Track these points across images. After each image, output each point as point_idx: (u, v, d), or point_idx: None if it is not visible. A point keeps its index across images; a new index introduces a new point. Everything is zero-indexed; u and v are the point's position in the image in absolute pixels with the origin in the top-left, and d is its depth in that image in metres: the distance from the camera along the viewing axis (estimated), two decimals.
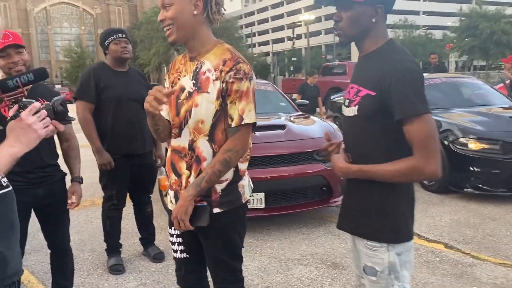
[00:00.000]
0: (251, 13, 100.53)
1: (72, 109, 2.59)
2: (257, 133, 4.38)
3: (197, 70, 1.73)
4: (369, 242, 1.61)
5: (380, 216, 1.59)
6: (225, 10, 1.83)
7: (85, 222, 4.66)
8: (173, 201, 1.86)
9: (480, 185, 4.89)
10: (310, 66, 45.74)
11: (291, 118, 5.05)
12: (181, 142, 1.77)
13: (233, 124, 1.69)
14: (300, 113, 5.65)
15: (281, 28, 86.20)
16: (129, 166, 3.34)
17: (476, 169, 4.89)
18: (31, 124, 1.24)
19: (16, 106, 1.29)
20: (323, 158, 4.25)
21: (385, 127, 1.53)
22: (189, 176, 1.76)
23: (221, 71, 1.67)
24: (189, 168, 1.76)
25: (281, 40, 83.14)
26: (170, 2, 1.68)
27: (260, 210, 4.06)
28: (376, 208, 1.59)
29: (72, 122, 2.63)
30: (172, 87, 1.81)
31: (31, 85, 1.85)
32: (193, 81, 1.73)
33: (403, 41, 50.97)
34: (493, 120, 5.30)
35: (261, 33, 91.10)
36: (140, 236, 3.73)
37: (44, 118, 1.29)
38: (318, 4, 1.74)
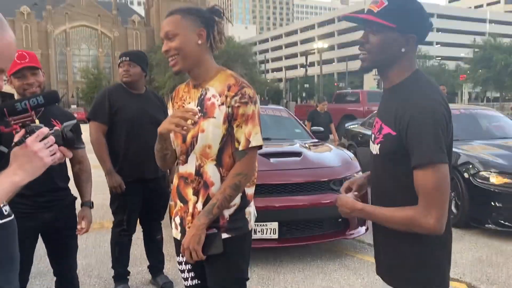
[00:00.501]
0: (265, 40, 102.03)
1: (85, 130, 2.54)
2: (272, 160, 4.28)
3: (202, 96, 1.76)
4: (392, 286, 1.50)
5: (412, 267, 1.45)
6: (225, 38, 1.87)
7: (93, 246, 4.55)
8: (179, 228, 1.84)
9: (502, 221, 4.69)
10: (322, 93, 45.94)
11: (307, 145, 4.95)
12: (188, 168, 1.77)
13: (241, 148, 1.71)
14: (316, 140, 5.55)
15: (294, 55, 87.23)
16: (141, 190, 3.25)
17: (498, 204, 4.70)
18: (37, 151, 1.15)
19: (22, 131, 1.20)
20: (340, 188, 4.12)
21: (405, 169, 1.38)
22: (196, 202, 1.75)
23: (226, 96, 1.71)
24: (196, 193, 1.75)
25: (294, 67, 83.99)
26: (175, 33, 1.70)
27: (273, 240, 3.92)
28: (407, 260, 1.46)
29: (84, 143, 2.60)
30: None
31: (42, 108, 1.79)
32: (198, 107, 1.75)
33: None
34: None
35: (274, 59, 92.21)
36: (148, 264, 3.61)
37: (51, 145, 1.20)
38: (347, 21, 1.62)
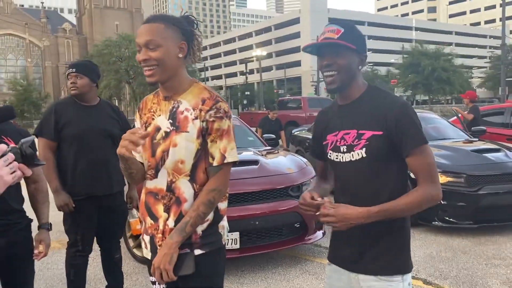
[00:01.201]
0: (204, 48, 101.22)
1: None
2: None
3: (174, 109, 1.70)
4: (383, 276, 1.63)
5: (398, 251, 1.65)
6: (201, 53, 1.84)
7: (40, 268, 4.25)
8: (149, 246, 1.76)
9: (448, 218, 4.97)
10: (263, 100, 46.50)
11: (261, 153, 4.96)
12: (158, 183, 1.71)
13: (215, 163, 1.67)
14: (269, 147, 5.58)
15: (233, 63, 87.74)
16: (95, 208, 3.07)
17: (443, 202, 4.97)
18: None
19: None
20: (298, 194, 4.17)
21: (395, 163, 1.62)
22: (167, 219, 1.68)
23: (200, 110, 1.66)
24: (167, 210, 1.69)
25: (234, 75, 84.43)
26: (158, 44, 1.63)
27: (235, 251, 3.87)
28: (399, 244, 1.66)
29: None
30: (146, 127, 1.76)
31: None
32: (170, 120, 1.70)
33: None
34: (456, 154, 5.47)
35: (214, 67, 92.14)
36: (107, 284, 3.43)
37: (11, 163, 1.12)
38: (306, 52, 1.73)
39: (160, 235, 1.69)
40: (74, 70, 3.03)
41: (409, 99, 66.00)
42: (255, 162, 4.47)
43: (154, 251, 1.72)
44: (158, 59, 1.63)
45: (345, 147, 1.66)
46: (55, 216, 3.12)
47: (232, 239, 3.86)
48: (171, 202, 1.68)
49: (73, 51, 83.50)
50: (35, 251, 2.29)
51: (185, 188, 1.67)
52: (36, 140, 2.94)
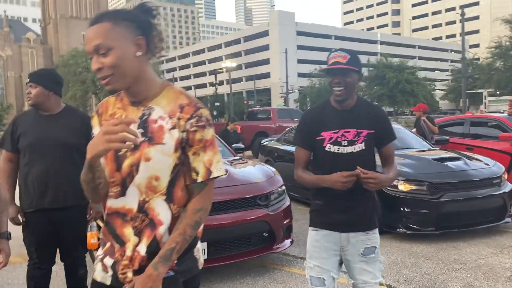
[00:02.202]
0: (173, 59, 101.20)
1: None
2: None
3: (145, 117, 1.47)
4: (369, 230, 2.28)
5: (373, 213, 2.34)
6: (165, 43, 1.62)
7: (1, 284, 4.10)
8: (110, 271, 1.49)
9: (411, 225, 5.11)
10: (233, 111, 46.58)
11: (230, 163, 4.98)
12: (127, 203, 1.46)
13: (201, 179, 1.45)
14: (237, 157, 5.60)
15: (203, 74, 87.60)
16: (48, 221, 2.93)
17: (406, 209, 5.11)
18: None
19: None
20: (266, 203, 4.21)
21: (373, 151, 2.31)
22: (137, 244, 1.45)
23: (179, 119, 1.44)
24: (138, 234, 1.45)
25: (203, 86, 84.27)
26: (108, 46, 1.38)
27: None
28: (371, 209, 2.33)
29: None
30: None
31: None
32: (141, 129, 1.45)
33: (319, 89, 54.15)
34: (418, 162, 5.65)
35: (183, 78, 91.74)
36: None
37: None
38: (325, 73, 2.32)
39: (126, 262, 1.45)
40: (29, 80, 2.98)
41: None
42: None
43: (115, 278, 1.48)
44: (113, 64, 1.39)
45: (347, 141, 2.24)
46: (19, 230, 3.03)
47: (200, 250, 3.83)
48: (143, 225, 1.45)
49: (37, 61, 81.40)
50: None
51: (160, 209, 1.45)
52: None
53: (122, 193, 1.47)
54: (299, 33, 75.51)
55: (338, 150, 2.24)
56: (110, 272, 1.49)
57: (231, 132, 8.91)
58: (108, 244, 1.53)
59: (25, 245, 3.01)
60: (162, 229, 1.45)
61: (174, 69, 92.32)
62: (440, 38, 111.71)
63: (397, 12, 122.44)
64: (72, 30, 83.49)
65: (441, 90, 63.67)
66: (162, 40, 1.52)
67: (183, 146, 1.45)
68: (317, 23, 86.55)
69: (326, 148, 2.25)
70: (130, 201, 1.46)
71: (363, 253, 2.26)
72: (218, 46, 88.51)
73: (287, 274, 4.21)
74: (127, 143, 1.29)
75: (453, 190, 5.14)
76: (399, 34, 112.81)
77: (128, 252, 1.46)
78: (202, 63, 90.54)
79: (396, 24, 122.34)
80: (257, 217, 4.12)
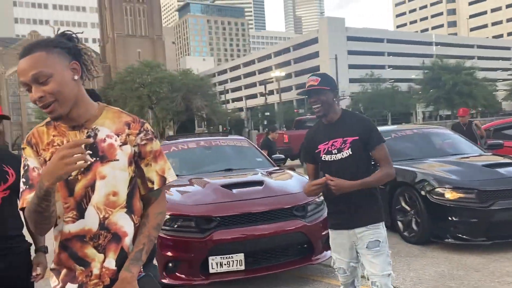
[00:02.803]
0: (224, 71, 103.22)
1: None
2: (234, 190, 4.29)
3: (91, 138, 1.52)
4: (370, 225, 2.57)
5: (378, 207, 2.64)
6: (96, 66, 1.64)
7: None
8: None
9: (460, 235, 4.86)
10: (283, 120, 46.60)
11: (268, 173, 4.99)
12: (86, 224, 1.50)
13: (157, 186, 1.59)
14: (277, 167, 5.61)
15: (253, 84, 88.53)
16: None
17: (454, 218, 4.88)
18: None
19: None
20: (303, 214, 4.18)
21: (365, 155, 2.64)
22: (103, 261, 1.50)
23: (128, 135, 1.55)
24: (102, 251, 1.50)
25: (254, 96, 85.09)
26: (47, 74, 1.41)
27: (240, 272, 3.88)
28: (375, 203, 2.64)
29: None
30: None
31: None
32: (89, 151, 1.49)
33: (371, 94, 52.90)
34: (467, 169, 5.37)
35: (234, 89, 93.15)
36: None
37: None
38: (301, 95, 2.81)
39: (95, 281, 1.50)
40: None
41: (432, 114, 65.12)
42: (260, 183, 4.50)
43: None
44: (54, 91, 1.42)
45: (336, 150, 2.61)
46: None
47: (237, 261, 3.88)
48: (106, 241, 1.50)
49: (97, 79, 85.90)
50: (33, 273, 2.37)
51: (123, 222, 1.52)
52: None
53: (80, 216, 1.50)
54: (350, 38, 74.46)
55: (330, 159, 2.64)
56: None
57: (272, 141, 8.92)
58: (64, 271, 1.53)
59: None
60: (127, 240, 1.53)
61: (225, 81, 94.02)
62: (501, 36, 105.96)
63: (452, 12, 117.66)
64: (128, 48, 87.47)
65: (504, 90, 60.12)
66: (92, 61, 1.59)
67: (136, 160, 1.57)
68: (368, 27, 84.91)
69: (323, 158, 2.67)
70: (90, 222, 1.50)
71: (368, 246, 2.55)
72: (268, 56, 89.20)
73: (326, 285, 4.14)
74: (81, 162, 1.33)
75: (505, 197, 4.83)
76: (455, 34, 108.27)
77: (96, 271, 1.50)
78: (252, 73, 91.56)
79: (452, 24, 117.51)
80: (293, 228, 4.09)
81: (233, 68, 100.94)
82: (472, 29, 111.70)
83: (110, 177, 1.51)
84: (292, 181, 4.75)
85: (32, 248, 2.46)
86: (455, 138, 7.00)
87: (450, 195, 4.93)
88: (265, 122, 56.17)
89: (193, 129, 55.39)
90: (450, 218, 4.90)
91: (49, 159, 1.48)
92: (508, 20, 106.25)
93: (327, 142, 2.64)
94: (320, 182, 2.51)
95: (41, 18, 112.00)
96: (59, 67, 1.45)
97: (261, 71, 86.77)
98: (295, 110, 61.46)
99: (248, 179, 4.78)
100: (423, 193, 5.12)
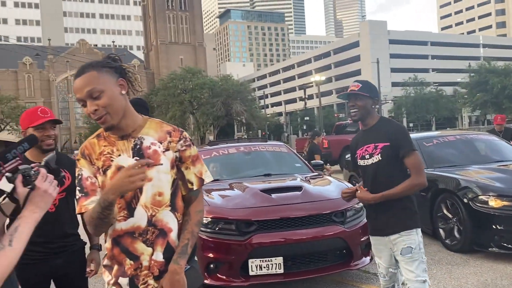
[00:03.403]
0: (263, 76, 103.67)
1: None
2: (274, 195, 4.38)
3: (138, 146, 1.71)
4: (403, 232, 2.64)
5: (412, 213, 2.70)
6: (139, 82, 1.85)
7: None
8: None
9: (505, 244, 4.73)
10: (323, 124, 46.27)
11: (307, 179, 5.06)
12: (135, 222, 1.69)
13: (196, 187, 1.79)
14: (316, 173, 5.66)
15: (292, 89, 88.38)
16: None
17: (499, 227, 4.75)
18: (47, 190, 1.38)
19: (20, 176, 1.36)
20: (342, 220, 4.21)
21: (399, 162, 2.69)
22: (152, 254, 1.69)
23: (169, 142, 1.74)
24: (150, 245, 1.69)
25: (293, 101, 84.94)
26: (100, 90, 1.63)
27: (279, 275, 3.96)
28: (409, 210, 2.69)
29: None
30: (104, 171, 1.71)
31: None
32: (136, 157, 1.69)
33: (415, 98, 51.57)
34: None
35: (273, 94, 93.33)
36: None
37: (47, 177, 1.40)
38: (341, 99, 3.03)
39: (145, 272, 1.68)
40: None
41: (479, 118, 62.63)
42: (299, 188, 4.57)
43: None
44: (106, 104, 1.63)
45: (368, 155, 2.74)
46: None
47: (276, 264, 3.96)
48: (154, 236, 1.69)
49: (141, 85, 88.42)
50: (87, 269, 2.57)
51: (168, 219, 1.72)
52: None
53: (130, 214, 1.70)
54: (392, 42, 73.06)
55: (363, 163, 2.79)
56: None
57: (317, 146, 8.87)
58: (116, 267, 1.72)
59: None
60: (173, 235, 1.73)
61: (265, 86, 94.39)
62: None
63: (501, 12, 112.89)
64: (171, 55, 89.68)
65: None
66: (136, 78, 1.82)
67: (177, 164, 1.76)
68: (411, 29, 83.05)
69: (358, 163, 2.84)
70: (139, 219, 1.69)
71: (401, 253, 2.64)
72: (308, 61, 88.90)
73: None
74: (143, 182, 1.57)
75: None
76: (504, 35, 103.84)
77: (145, 263, 1.70)
78: (292, 78, 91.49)
79: (501, 25, 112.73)
80: (332, 233, 4.13)
81: (272, 73, 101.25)
82: None
83: (155, 179, 1.70)
84: (331, 186, 4.79)
85: (87, 246, 2.65)
86: (501, 145, 6.80)
87: (494, 203, 4.81)
88: (304, 127, 56.01)
89: (232, 133, 55.96)
90: (494, 227, 4.78)
91: (102, 167, 1.72)
92: None
93: (362, 147, 2.79)
94: (351, 191, 2.72)
95: (89, 27, 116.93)
96: (109, 84, 1.66)
97: (301, 75, 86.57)
98: (335, 115, 60.89)
99: (287, 184, 4.86)
100: (465, 200, 5.02)
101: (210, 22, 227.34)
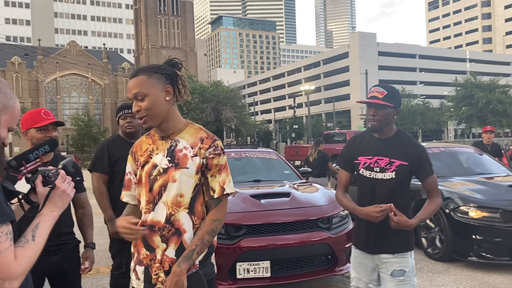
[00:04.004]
0: (254, 83, 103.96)
1: (85, 177, 2.76)
2: (263, 201, 4.50)
3: (172, 147, 1.84)
4: (398, 254, 2.45)
5: (410, 236, 2.50)
6: (189, 90, 1.95)
7: None
8: (142, 277, 1.84)
9: (484, 254, 4.91)
10: (312, 133, 46.58)
11: (295, 186, 5.19)
12: (155, 216, 1.81)
13: (216, 195, 1.83)
14: (304, 180, 5.79)
15: (282, 97, 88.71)
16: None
17: (478, 237, 4.94)
18: (65, 190, 1.46)
19: (40, 177, 1.44)
20: (328, 226, 4.34)
21: (407, 183, 2.51)
22: (165, 249, 1.79)
23: (200, 148, 1.83)
24: (165, 241, 1.80)
25: (282, 109, 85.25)
26: (144, 94, 1.78)
27: (266, 279, 4.07)
28: (408, 232, 2.45)
29: (87, 191, 2.82)
30: (142, 166, 1.88)
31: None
32: (168, 158, 1.83)
33: (402, 109, 52.24)
34: (492, 189, 5.43)
35: (263, 102, 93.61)
36: None
37: (66, 179, 1.48)
38: (363, 102, 2.57)
39: (157, 265, 1.79)
40: (130, 111, 3.43)
41: (465, 132, 63.65)
42: (287, 194, 4.70)
43: (148, 281, 1.82)
44: (147, 107, 1.78)
45: (378, 168, 2.48)
46: (105, 244, 3.47)
47: (263, 268, 4.08)
48: (170, 234, 1.79)
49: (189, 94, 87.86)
50: (82, 267, 2.66)
51: (184, 220, 1.79)
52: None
53: (153, 209, 1.82)
54: (381, 54, 73.96)
55: (369, 175, 2.50)
56: (143, 277, 1.84)
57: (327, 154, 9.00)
58: (136, 255, 1.89)
59: (116, 256, 3.44)
60: (186, 236, 1.80)
61: (255, 93, 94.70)
62: None
63: (488, 28, 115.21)
64: (161, 59, 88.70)
65: None
66: (185, 86, 1.91)
67: (203, 170, 1.83)
68: (400, 42, 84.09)
69: (360, 172, 2.54)
70: (158, 215, 1.81)
71: (392, 274, 2.44)
72: (298, 70, 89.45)
73: None
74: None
75: None
76: (490, 51, 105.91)
77: (158, 256, 1.80)
78: (281, 86, 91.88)
79: (487, 40, 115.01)
80: (318, 239, 4.26)
81: (263, 81, 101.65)
82: (508, 46, 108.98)
83: (179, 181, 1.80)
84: (318, 194, 4.93)
85: (81, 244, 2.74)
86: (482, 158, 7.02)
87: (474, 213, 5.00)
88: (293, 135, 56.30)
89: (221, 139, 55.86)
90: (474, 237, 4.96)
91: (142, 162, 1.88)
92: None
93: (371, 157, 2.50)
94: (385, 208, 2.36)
95: (80, 28, 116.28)
96: (154, 89, 1.80)
97: (291, 84, 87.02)
98: (324, 124, 61.32)
99: (276, 191, 4.99)
100: (447, 210, 5.20)
101: (202, 28, 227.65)
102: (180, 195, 1.80)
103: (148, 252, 1.83)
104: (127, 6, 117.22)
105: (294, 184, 5.34)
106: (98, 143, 56.86)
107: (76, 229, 2.74)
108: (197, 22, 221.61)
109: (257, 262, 4.06)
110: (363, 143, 2.58)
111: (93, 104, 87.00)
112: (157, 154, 1.86)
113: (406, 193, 2.49)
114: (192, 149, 1.84)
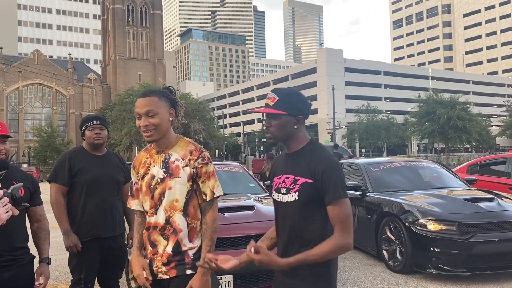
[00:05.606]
0: (223, 96, 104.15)
1: (45, 189, 2.69)
2: (226, 214, 4.49)
3: (166, 160, 2.18)
4: None
5: (325, 281, 1.89)
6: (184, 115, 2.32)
7: None
8: (147, 270, 2.16)
9: (441, 265, 5.05)
10: (279, 146, 46.88)
11: (260, 199, 5.21)
12: (158, 218, 2.16)
13: (208, 198, 2.17)
14: (268, 194, 5.82)
15: None
16: (99, 249, 3.33)
17: (436, 249, 5.08)
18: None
19: None
20: None
21: (317, 207, 1.88)
22: (166, 245, 2.15)
23: (189, 160, 2.15)
24: (166, 238, 2.15)
25: (251, 122, 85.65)
26: (156, 112, 2.11)
27: None
28: (321, 277, 1.88)
29: (44, 203, 2.74)
30: (142, 177, 2.23)
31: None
32: (163, 169, 2.17)
33: (367, 124, 53.52)
34: (449, 202, 5.61)
35: (232, 115, 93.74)
36: None
37: (6, 204, 1.44)
38: (254, 112, 2.30)
39: (159, 258, 2.15)
40: (99, 122, 3.41)
41: (427, 147, 65.67)
42: (251, 207, 4.71)
43: (152, 271, 2.17)
44: (156, 124, 2.11)
45: (285, 189, 1.96)
46: (65, 259, 3.36)
47: (226, 282, 4.05)
48: (169, 232, 2.14)
49: (96, 100, 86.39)
50: (36, 283, 2.56)
51: (179, 221, 2.14)
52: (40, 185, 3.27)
53: (155, 212, 2.17)
54: (347, 70, 75.72)
55: (277, 198, 2.01)
56: (147, 270, 2.15)
57: None
58: (145, 249, 2.23)
59: (74, 272, 3.32)
60: (182, 234, 2.14)
61: (224, 106, 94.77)
62: (496, 72, 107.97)
63: (449, 48, 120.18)
64: (129, 70, 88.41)
65: (498, 126, 60.98)
66: (182, 111, 2.27)
67: (194, 178, 2.15)
68: (366, 59, 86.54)
69: (273, 195, 2.05)
70: (159, 218, 2.16)
71: None
72: (267, 84, 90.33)
73: None
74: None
75: (484, 231, 5.06)
76: (451, 69, 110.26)
77: (160, 251, 2.15)
78: (251, 100, 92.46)
79: (449, 59, 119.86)
80: None
81: (232, 94, 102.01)
82: (468, 65, 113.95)
83: (174, 188, 2.14)
84: None
85: (36, 259, 2.65)
86: (442, 172, 7.27)
87: (432, 226, 5.15)
88: (262, 148, 56.52)
89: None
90: (432, 249, 5.10)
91: (142, 174, 2.22)
92: (503, 58, 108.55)
93: (280, 176, 2.02)
94: (251, 257, 1.81)
95: (45, 38, 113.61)
96: (163, 109, 2.14)
97: (260, 97, 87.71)
98: None
99: (240, 204, 4.99)
100: (407, 223, 5.34)
101: (171, 40, 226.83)
102: (176, 200, 2.13)
103: (151, 248, 2.17)
104: (94, 16, 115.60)
105: (258, 197, 5.35)
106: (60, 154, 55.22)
107: (31, 244, 2.65)
108: (166, 34, 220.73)
109: (219, 276, 4.03)
110: (279, 160, 2.13)
111: (57, 115, 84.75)
112: (154, 166, 2.19)
113: (319, 218, 1.88)
114: (183, 160, 2.16)
